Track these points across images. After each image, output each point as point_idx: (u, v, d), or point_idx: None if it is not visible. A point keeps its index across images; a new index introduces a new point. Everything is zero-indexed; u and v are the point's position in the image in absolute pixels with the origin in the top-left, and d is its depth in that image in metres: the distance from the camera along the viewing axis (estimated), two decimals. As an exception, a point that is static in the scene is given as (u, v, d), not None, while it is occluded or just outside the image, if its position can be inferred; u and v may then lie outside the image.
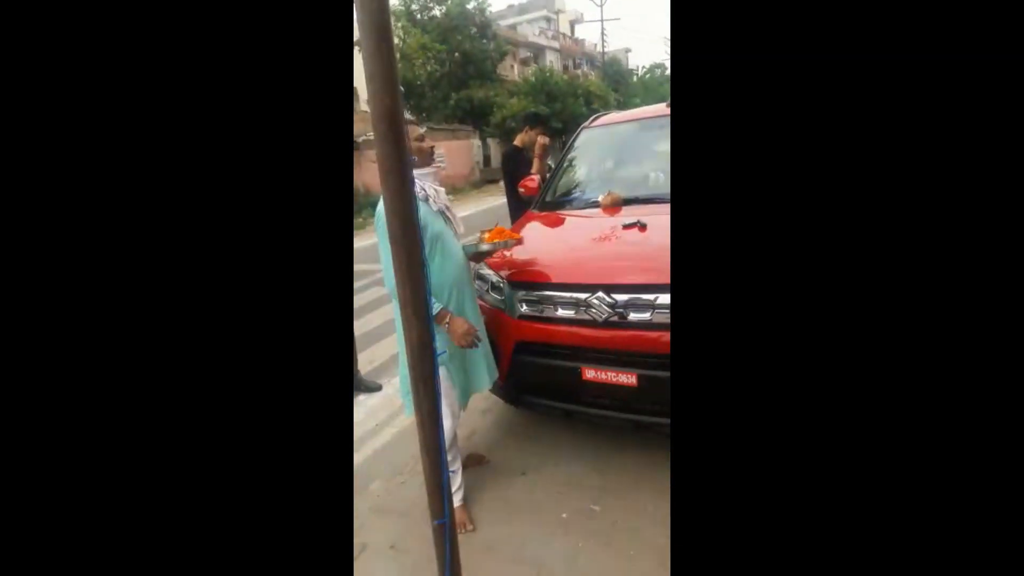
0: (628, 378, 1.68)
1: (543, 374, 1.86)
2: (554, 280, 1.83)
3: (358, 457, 2.20)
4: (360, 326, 3.58)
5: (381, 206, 1.46)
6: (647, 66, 31.46)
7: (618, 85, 24.05)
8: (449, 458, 1.64)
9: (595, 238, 1.96)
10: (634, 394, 1.69)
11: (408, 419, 2.29)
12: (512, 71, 21.18)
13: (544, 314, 1.83)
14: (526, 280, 1.88)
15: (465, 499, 1.77)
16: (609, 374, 1.71)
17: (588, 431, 2.13)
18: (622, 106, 22.06)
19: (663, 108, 2.75)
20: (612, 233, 1.94)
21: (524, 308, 1.87)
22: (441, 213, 1.64)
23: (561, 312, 1.79)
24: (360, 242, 4.63)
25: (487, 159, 17.37)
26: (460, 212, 2.19)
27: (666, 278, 1.61)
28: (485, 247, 1.77)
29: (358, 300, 4.10)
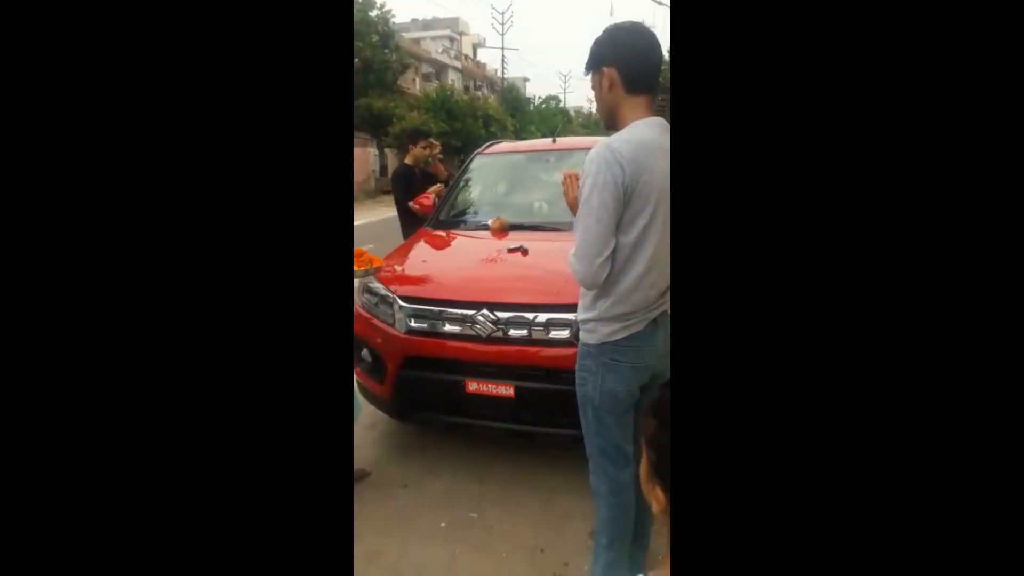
0: (507, 390, 1.82)
1: (429, 387, 1.94)
2: (443, 297, 1.93)
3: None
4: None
5: None
6: (543, 96, 33.30)
7: (515, 111, 25.13)
8: None
9: (482, 259, 2.10)
10: (512, 405, 1.84)
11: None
12: (414, 85, 21.12)
13: (432, 329, 1.91)
14: (416, 296, 1.95)
15: None
16: (490, 386, 1.84)
17: (469, 443, 2.23)
18: (518, 131, 23.04)
19: (550, 143, 3.02)
20: (498, 255, 2.10)
21: (413, 323, 1.93)
22: None
23: (448, 327, 1.88)
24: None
25: (383, 169, 17.01)
26: (355, 222, 2.21)
27: (544, 298, 1.80)
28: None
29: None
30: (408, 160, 3.28)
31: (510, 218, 2.42)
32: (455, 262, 2.19)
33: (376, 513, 1.85)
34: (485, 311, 1.83)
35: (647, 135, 1.09)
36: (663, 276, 1.17)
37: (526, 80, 34.56)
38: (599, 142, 1.09)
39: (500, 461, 2.13)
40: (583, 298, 1.19)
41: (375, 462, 2.17)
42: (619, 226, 1.09)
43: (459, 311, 1.86)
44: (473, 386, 1.85)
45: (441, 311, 1.90)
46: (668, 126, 1.14)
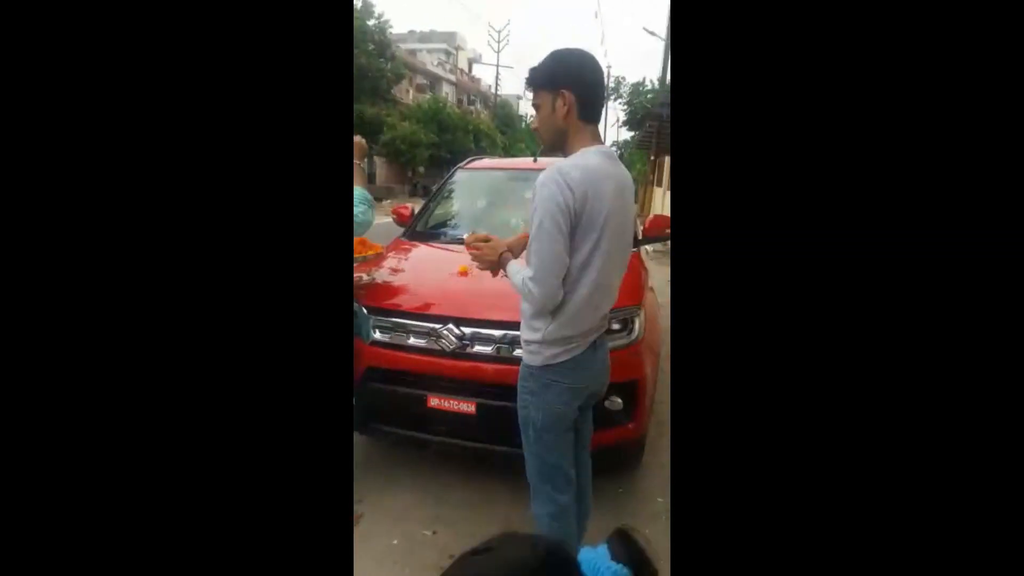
0: (468, 406, 1.80)
1: (391, 400, 1.91)
2: (410, 309, 1.91)
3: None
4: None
5: None
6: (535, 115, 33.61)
7: (506, 128, 25.41)
8: None
9: (453, 273, 2.09)
10: (473, 422, 1.82)
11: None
12: (407, 95, 21.23)
13: (396, 341, 1.89)
14: (383, 306, 1.93)
15: None
16: (452, 402, 1.82)
17: (428, 460, 2.19)
18: (508, 148, 23.24)
19: (531, 162, 3.05)
20: (470, 270, 2.09)
21: (377, 334, 1.91)
22: None
23: (413, 340, 1.86)
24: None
25: (371, 176, 16.98)
26: None
27: (511, 316, 1.79)
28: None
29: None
30: None
31: (486, 234, 2.42)
32: (425, 274, 2.17)
33: (326, 528, 1.80)
34: (451, 325, 1.82)
35: (595, 162, 1.11)
36: (607, 300, 1.21)
37: (519, 98, 35.07)
38: (550, 166, 1.10)
39: (459, 480, 2.09)
40: (526, 320, 1.21)
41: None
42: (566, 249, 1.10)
43: (425, 324, 1.85)
44: (435, 401, 1.83)
45: (407, 323, 1.88)
46: (614, 154, 1.19)
